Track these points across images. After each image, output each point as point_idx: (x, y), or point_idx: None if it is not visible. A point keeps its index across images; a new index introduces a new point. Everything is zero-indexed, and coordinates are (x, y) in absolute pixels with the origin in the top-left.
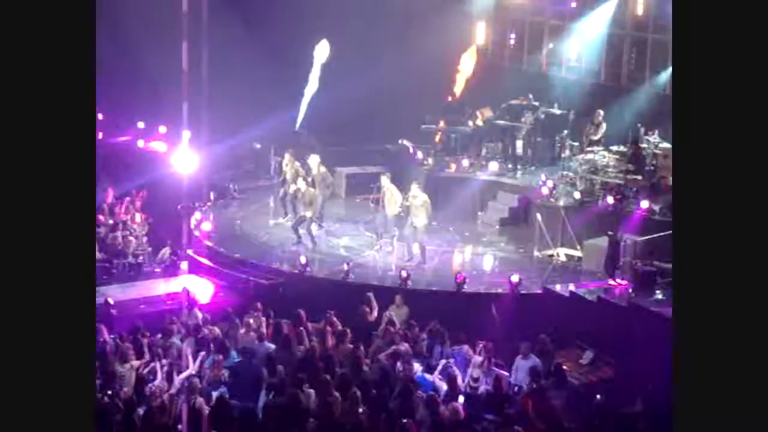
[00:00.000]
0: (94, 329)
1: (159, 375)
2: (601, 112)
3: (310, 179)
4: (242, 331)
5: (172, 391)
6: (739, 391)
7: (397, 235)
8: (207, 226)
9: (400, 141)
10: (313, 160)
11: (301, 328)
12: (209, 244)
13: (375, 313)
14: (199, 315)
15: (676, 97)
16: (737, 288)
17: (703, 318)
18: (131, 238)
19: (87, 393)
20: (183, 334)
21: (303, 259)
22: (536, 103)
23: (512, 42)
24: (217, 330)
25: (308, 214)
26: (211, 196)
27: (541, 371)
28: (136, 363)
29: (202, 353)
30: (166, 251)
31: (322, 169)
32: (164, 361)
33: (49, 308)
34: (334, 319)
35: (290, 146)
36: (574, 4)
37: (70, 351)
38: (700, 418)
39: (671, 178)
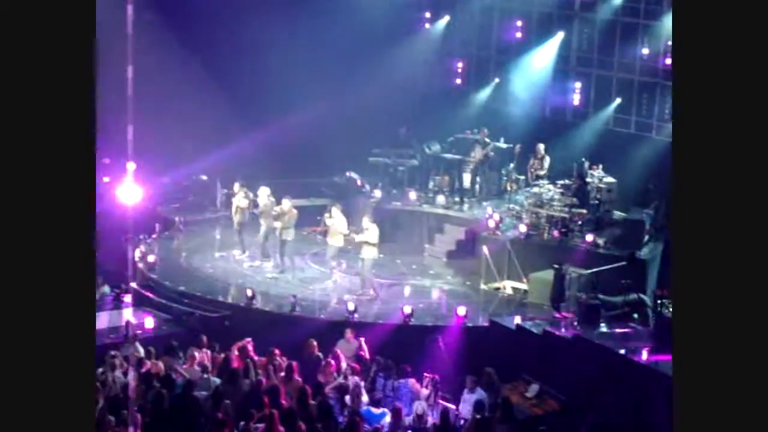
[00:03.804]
0: (93, 333)
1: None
2: (542, 146)
3: (258, 210)
4: (186, 365)
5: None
6: (740, 403)
7: (342, 267)
8: (151, 259)
9: (347, 173)
10: (263, 191)
11: (248, 361)
12: (154, 276)
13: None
14: (141, 349)
15: (676, 104)
16: (736, 296)
17: (703, 327)
18: None
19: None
20: (125, 368)
21: (249, 292)
22: (487, 140)
23: (459, 76)
24: (160, 364)
25: (288, 237)
26: (157, 228)
27: (487, 404)
28: None
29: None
30: (105, 289)
31: (272, 199)
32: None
33: (49, 313)
34: (276, 352)
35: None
36: (519, 35)
37: (69, 355)
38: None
39: (617, 212)
